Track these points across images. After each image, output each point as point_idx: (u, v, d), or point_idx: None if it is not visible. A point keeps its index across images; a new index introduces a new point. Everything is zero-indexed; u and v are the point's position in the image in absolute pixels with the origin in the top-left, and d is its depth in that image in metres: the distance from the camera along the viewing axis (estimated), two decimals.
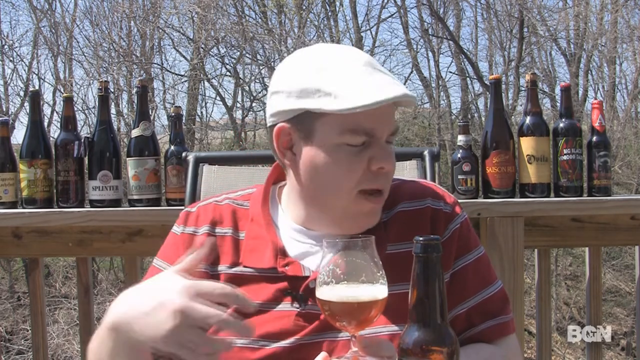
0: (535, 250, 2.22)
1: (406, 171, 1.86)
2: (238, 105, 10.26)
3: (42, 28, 9.98)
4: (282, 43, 9.03)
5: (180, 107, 2.40)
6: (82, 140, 2.15)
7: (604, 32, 9.87)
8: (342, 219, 1.21)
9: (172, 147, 2.19)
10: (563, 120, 2.09)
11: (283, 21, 9.87)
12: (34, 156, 2.16)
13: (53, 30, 10.02)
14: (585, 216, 2.06)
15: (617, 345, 8.26)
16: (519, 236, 2.00)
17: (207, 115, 10.58)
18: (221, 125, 10.57)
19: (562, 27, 10.05)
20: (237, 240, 1.26)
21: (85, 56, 9.86)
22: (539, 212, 2.03)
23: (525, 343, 6.53)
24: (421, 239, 0.92)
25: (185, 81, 10.06)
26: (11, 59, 10.12)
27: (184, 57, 10.15)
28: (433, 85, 10.66)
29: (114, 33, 9.89)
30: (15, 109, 9.80)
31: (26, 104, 8.88)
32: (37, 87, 9.09)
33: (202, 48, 9.65)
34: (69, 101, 2.25)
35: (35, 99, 2.32)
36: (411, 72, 10.84)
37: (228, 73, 10.12)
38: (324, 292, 1.04)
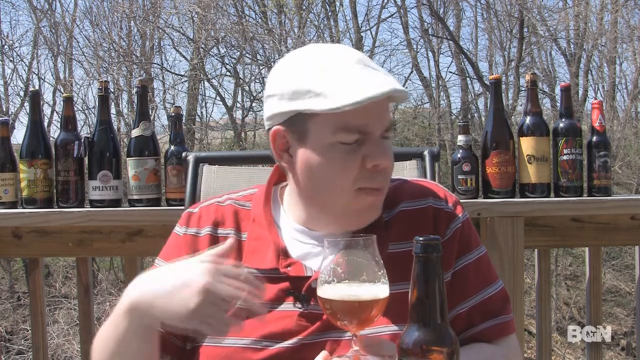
0: (535, 250, 2.22)
1: (406, 171, 1.86)
2: (238, 105, 10.27)
3: (42, 28, 9.99)
4: (282, 43, 9.03)
5: (180, 107, 2.41)
6: (82, 140, 2.15)
7: (604, 32, 9.87)
8: (343, 217, 1.21)
9: (172, 147, 2.20)
10: (563, 120, 2.09)
11: (283, 21, 9.88)
12: (34, 156, 2.16)
13: (53, 30, 10.02)
14: (585, 216, 2.06)
15: (617, 345, 8.26)
16: (519, 236, 2.00)
17: (207, 115, 10.59)
18: (221, 125, 10.57)
19: (562, 27, 10.05)
20: (239, 241, 1.26)
21: (85, 56, 9.87)
22: (539, 212, 2.03)
23: (525, 343, 6.53)
24: (421, 239, 0.92)
25: (185, 81, 10.06)
26: (11, 59, 10.13)
27: (184, 57, 10.17)
28: (433, 85, 10.66)
29: (114, 33, 9.89)
30: (15, 109, 9.81)
31: (26, 104, 8.88)
32: (37, 87, 9.10)
33: (202, 48, 9.64)
34: (69, 101, 2.25)
35: (35, 99, 2.32)
36: (411, 72, 10.85)
37: (228, 73, 10.13)
38: (325, 291, 1.04)
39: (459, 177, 2.10)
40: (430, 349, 0.91)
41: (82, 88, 9.49)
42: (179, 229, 1.33)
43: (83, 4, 12.36)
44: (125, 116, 9.21)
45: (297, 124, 1.18)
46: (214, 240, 1.27)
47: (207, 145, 9.78)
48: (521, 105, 9.22)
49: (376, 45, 10.77)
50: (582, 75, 10.09)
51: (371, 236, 1.05)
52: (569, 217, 2.06)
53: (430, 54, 10.68)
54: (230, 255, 1.12)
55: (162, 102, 9.72)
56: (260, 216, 1.28)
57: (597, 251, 2.18)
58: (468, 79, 10.46)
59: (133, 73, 9.46)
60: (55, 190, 2.18)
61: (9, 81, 9.94)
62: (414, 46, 10.69)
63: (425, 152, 1.91)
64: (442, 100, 10.61)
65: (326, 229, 1.23)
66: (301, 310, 1.19)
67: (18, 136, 7.44)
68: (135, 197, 2.14)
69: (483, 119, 9.58)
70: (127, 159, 2.17)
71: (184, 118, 4.86)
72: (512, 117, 8.96)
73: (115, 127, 5.16)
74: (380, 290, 1.03)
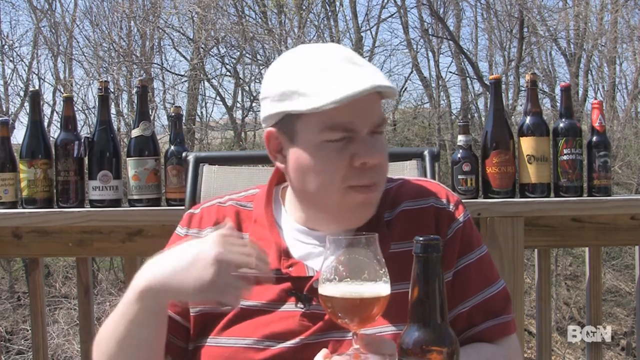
0: (535, 250, 2.22)
1: (406, 171, 1.86)
2: (238, 105, 10.27)
3: (42, 28, 9.99)
4: (282, 43, 9.03)
5: (180, 107, 2.41)
6: (82, 140, 2.15)
7: (604, 32, 9.87)
8: (337, 215, 1.22)
9: (172, 147, 2.20)
10: (563, 120, 2.09)
11: (283, 21, 9.87)
12: (34, 156, 2.16)
13: (53, 30, 10.02)
14: (585, 216, 2.06)
15: (617, 345, 8.26)
16: (519, 236, 2.00)
17: (207, 115, 10.59)
18: (221, 125, 10.57)
19: (562, 27, 10.05)
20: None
21: (85, 56, 9.87)
22: (539, 212, 2.03)
23: (525, 343, 6.53)
24: (421, 239, 0.92)
25: (185, 81, 10.06)
26: (11, 59, 10.13)
27: (184, 57, 10.17)
28: (433, 85, 10.66)
29: (114, 33, 9.89)
30: (15, 109, 9.81)
31: (26, 104, 8.88)
32: (37, 87, 9.10)
33: (202, 48, 9.64)
34: (69, 101, 2.25)
35: (35, 99, 2.32)
36: (411, 72, 10.86)
37: (228, 73, 10.13)
38: (326, 289, 1.04)
39: (459, 177, 2.10)
40: (430, 349, 0.91)
41: (82, 88, 9.50)
42: (180, 230, 1.34)
43: (83, 4, 12.37)
44: (125, 116, 9.22)
45: (287, 125, 1.19)
46: None
47: (207, 145, 9.78)
48: (521, 105, 9.22)
49: (376, 45, 10.80)
50: (582, 75, 10.09)
51: (373, 234, 1.06)
52: (569, 217, 2.06)
53: (430, 54, 10.70)
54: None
55: (162, 102, 9.74)
56: (261, 217, 1.28)
57: (597, 251, 2.18)
58: (468, 79, 10.47)
59: (133, 73, 9.46)
60: (55, 190, 2.18)
61: (9, 81, 9.95)
62: (414, 46, 10.71)
63: (426, 152, 1.91)
64: (442, 100, 10.62)
65: (326, 229, 1.23)
66: (303, 310, 1.19)
67: (18, 136, 7.44)
68: (135, 197, 2.14)
69: (483, 119, 9.58)
70: (127, 159, 2.17)
71: (184, 118, 4.86)
72: (512, 117, 8.96)
73: (115, 127, 5.16)
74: (381, 288, 1.03)
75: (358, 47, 9.90)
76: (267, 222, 1.27)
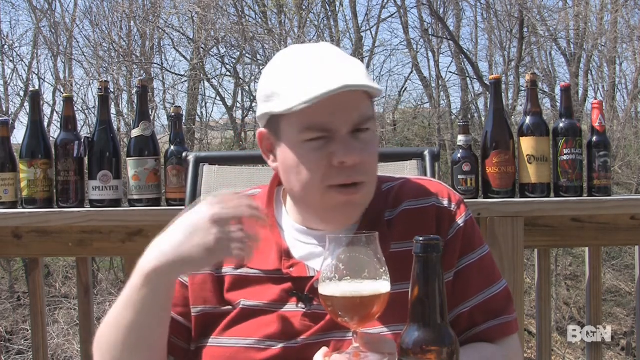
0: (535, 250, 2.22)
1: (406, 171, 1.86)
2: (238, 105, 10.27)
3: (42, 28, 9.98)
4: (282, 43, 9.02)
5: (180, 107, 2.41)
6: (82, 140, 2.15)
7: (604, 32, 9.87)
8: (324, 215, 1.23)
9: (172, 147, 2.20)
10: (563, 120, 2.09)
11: (283, 21, 9.87)
12: (34, 156, 2.16)
13: (53, 30, 10.02)
14: (585, 216, 2.06)
15: (617, 345, 8.26)
16: (519, 236, 2.00)
17: (207, 115, 10.59)
18: (221, 125, 10.57)
19: (562, 27, 10.04)
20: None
21: (85, 56, 9.86)
22: (539, 212, 2.03)
23: (525, 343, 6.53)
24: (421, 239, 0.92)
25: (185, 81, 10.06)
26: (11, 59, 10.12)
27: (184, 57, 10.16)
28: (433, 85, 10.66)
29: (114, 33, 9.88)
30: (15, 109, 9.81)
31: (26, 104, 8.88)
32: (37, 87, 9.10)
33: (202, 48, 9.64)
34: (69, 101, 2.25)
35: (35, 99, 2.32)
36: (411, 72, 10.86)
37: (228, 73, 10.13)
38: (326, 288, 1.04)
39: (459, 177, 2.10)
40: (430, 348, 0.91)
41: (82, 88, 9.50)
42: None
43: (83, 4, 12.37)
44: (125, 116, 9.21)
45: (274, 126, 1.21)
46: None
47: (207, 145, 9.78)
48: (521, 105, 9.22)
49: (376, 45, 10.78)
50: (582, 75, 10.09)
51: (373, 233, 1.06)
52: (569, 217, 2.06)
53: (430, 54, 10.69)
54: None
55: (162, 102, 9.73)
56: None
57: (597, 251, 2.18)
58: (468, 79, 10.46)
59: (133, 73, 9.46)
60: (55, 190, 2.18)
61: (9, 81, 9.95)
62: (414, 46, 10.70)
63: (426, 152, 1.91)
64: (442, 100, 10.61)
65: (323, 228, 1.24)
66: (304, 310, 1.19)
67: (18, 136, 7.44)
68: (135, 197, 2.14)
69: (483, 119, 9.58)
70: (127, 159, 2.17)
71: (184, 118, 4.86)
72: (512, 117, 8.96)
73: (115, 127, 5.16)
74: (381, 286, 1.03)
75: (358, 47, 9.91)
76: (268, 223, 1.27)
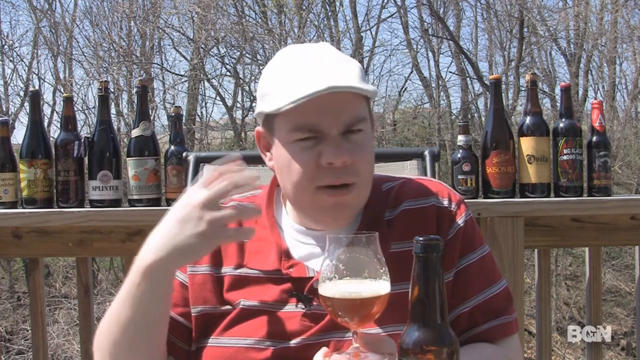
0: (535, 250, 2.22)
1: (406, 171, 1.86)
2: (238, 105, 10.28)
3: (42, 28, 10.00)
4: (282, 43, 9.02)
5: (180, 107, 2.41)
6: (82, 140, 2.15)
7: (604, 32, 9.87)
8: (316, 215, 1.23)
9: (172, 147, 2.20)
10: (563, 120, 2.09)
11: (283, 21, 9.87)
12: (34, 156, 2.16)
13: (53, 30, 10.02)
14: (585, 216, 2.06)
15: (617, 345, 8.26)
16: (519, 236, 2.00)
17: (207, 115, 10.60)
18: (221, 125, 10.58)
19: (562, 27, 10.05)
20: (241, 242, 1.26)
21: (85, 56, 9.87)
22: (539, 212, 2.03)
23: (525, 343, 6.53)
24: (421, 239, 0.92)
25: (185, 81, 10.06)
26: (11, 59, 10.13)
27: (184, 57, 10.17)
28: (433, 85, 10.66)
29: (114, 33, 9.89)
30: (15, 109, 9.82)
31: (26, 104, 8.88)
32: (37, 87, 9.10)
33: (202, 48, 9.64)
34: (69, 101, 2.25)
35: (35, 99, 2.32)
36: (411, 72, 10.88)
37: (228, 73, 10.13)
38: (326, 288, 1.04)
39: (459, 177, 2.10)
40: (430, 348, 0.91)
41: (82, 88, 9.51)
42: None
43: (83, 4, 12.40)
44: (125, 116, 9.22)
45: (268, 125, 1.22)
46: None
47: (207, 145, 9.78)
48: (521, 105, 9.23)
49: (376, 45, 10.80)
50: (582, 75, 10.09)
51: (373, 233, 1.06)
52: (569, 217, 2.06)
53: (430, 54, 10.70)
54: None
55: (162, 102, 9.74)
56: (262, 217, 1.28)
57: (597, 251, 2.18)
58: (468, 79, 10.47)
59: (133, 73, 9.46)
60: (55, 190, 2.18)
61: (9, 81, 9.96)
62: (414, 46, 10.72)
63: (426, 152, 1.92)
64: (442, 100, 10.62)
65: (320, 228, 1.24)
66: (304, 310, 1.19)
67: (18, 136, 7.45)
68: (135, 197, 2.14)
69: (483, 119, 9.59)
70: (127, 159, 2.17)
71: (184, 118, 4.86)
72: (512, 117, 8.96)
73: (115, 127, 5.16)
74: (381, 286, 1.03)
75: (358, 47, 9.91)
76: (268, 223, 1.27)
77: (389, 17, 10.83)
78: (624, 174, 9.54)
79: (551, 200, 2.05)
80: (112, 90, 8.61)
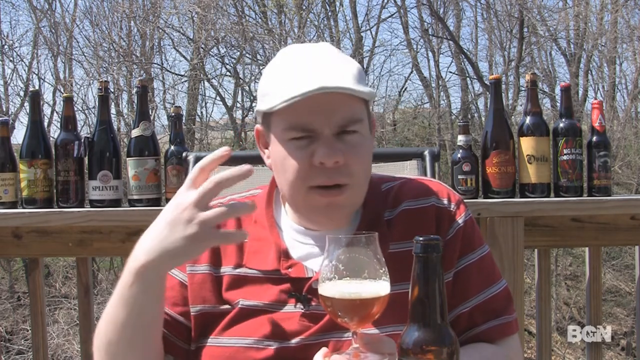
0: (535, 250, 2.22)
1: (406, 171, 1.86)
2: (238, 105, 10.27)
3: (42, 28, 9.99)
4: (282, 43, 9.02)
5: (180, 107, 2.41)
6: (82, 140, 2.15)
7: (604, 32, 9.87)
8: (310, 215, 1.23)
9: (172, 147, 2.20)
10: (563, 120, 2.09)
11: (283, 21, 9.87)
12: (34, 156, 2.16)
13: (53, 30, 10.02)
14: (585, 216, 2.06)
15: (617, 345, 8.26)
16: (519, 236, 2.00)
17: (207, 115, 10.60)
18: (221, 125, 10.58)
19: (562, 27, 10.05)
20: (240, 242, 1.26)
21: (85, 56, 9.87)
22: (539, 212, 2.03)
23: (525, 343, 6.53)
24: (421, 239, 0.92)
25: (185, 81, 10.06)
26: (11, 59, 10.13)
27: (184, 57, 10.17)
28: (433, 85, 10.66)
29: (114, 33, 9.89)
30: (15, 109, 9.81)
31: (26, 104, 8.88)
32: (37, 87, 9.10)
33: (202, 48, 9.64)
34: (69, 101, 2.25)
35: (35, 99, 2.32)
36: (411, 72, 10.87)
37: (228, 73, 10.13)
38: (326, 289, 1.04)
39: (459, 177, 2.10)
40: (430, 348, 0.91)
41: (82, 88, 9.51)
42: None
43: (83, 4, 12.40)
44: (125, 116, 9.22)
45: (266, 123, 1.23)
46: None
47: (207, 145, 9.78)
48: (521, 105, 9.22)
49: (376, 45, 10.79)
50: (582, 75, 10.09)
51: (373, 233, 1.06)
52: (569, 217, 2.06)
53: (430, 54, 10.70)
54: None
55: (162, 102, 9.74)
56: (262, 217, 1.28)
57: (597, 251, 2.18)
58: (468, 79, 10.47)
59: (133, 73, 9.46)
60: (55, 190, 2.18)
61: (9, 81, 9.96)
62: (414, 46, 10.71)
63: (426, 152, 1.92)
64: (442, 100, 10.62)
65: (316, 228, 1.24)
66: (303, 311, 1.19)
67: (18, 136, 7.45)
68: (135, 197, 2.14)
69: (483, 119, 9.58)
70: (127, 159, 2.17)
71: (184, 118, 4.86)
72: (512, 117, 8.96)
73: (115, 127, 5.16)
74: (381, 287, 1.03)
75: (358, 47, 9.91)
76: (267, 223, 1.27)
77: (389, 17, 10.84)
78: (624, 174, 9.54)
79: (551, 200, 2.05)
80: (112, 90, 8.61)
